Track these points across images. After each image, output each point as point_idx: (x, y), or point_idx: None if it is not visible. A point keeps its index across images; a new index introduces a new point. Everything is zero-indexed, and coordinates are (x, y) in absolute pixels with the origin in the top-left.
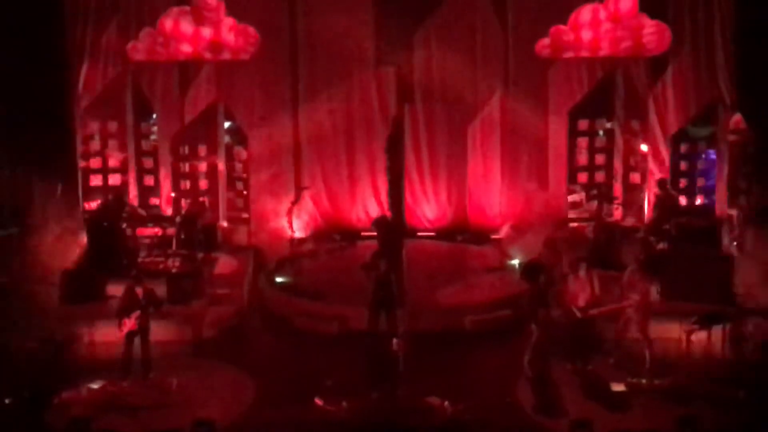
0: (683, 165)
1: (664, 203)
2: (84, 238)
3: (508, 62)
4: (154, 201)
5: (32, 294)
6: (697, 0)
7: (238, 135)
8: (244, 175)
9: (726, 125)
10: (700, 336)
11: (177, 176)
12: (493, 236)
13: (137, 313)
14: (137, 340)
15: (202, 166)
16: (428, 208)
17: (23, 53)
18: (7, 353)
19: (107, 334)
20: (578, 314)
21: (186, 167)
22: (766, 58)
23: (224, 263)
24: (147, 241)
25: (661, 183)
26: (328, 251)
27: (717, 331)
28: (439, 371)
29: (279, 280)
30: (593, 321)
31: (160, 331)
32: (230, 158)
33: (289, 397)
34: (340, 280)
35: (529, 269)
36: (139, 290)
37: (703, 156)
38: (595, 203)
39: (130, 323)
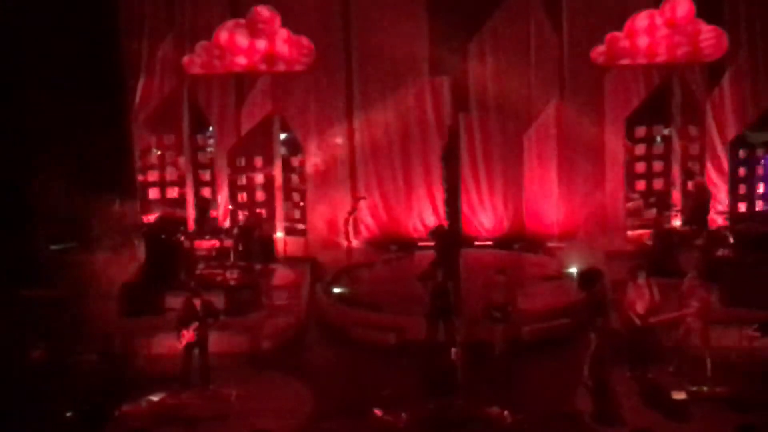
0: (742, 171)
1: (698, 198)
2: (142, 252)
3: (563, 70)
4: (212, 213)
5: (92, 307)
6: (753, 4)
7: (295, 146)
8: (301, 186)
9: None
10: (761, 343)
11: (234, 188)
12: (550, 244)
13: (195, 324)
14: (196, 352)
15: (259, 178)
16: (485, 217)
17: (81, 68)
18: (67, 367)
19: (166, 347)
20: (637, 322)
21: (243, 179)
22: None
23: (281, 274)
24: (205, 253)
25: (691, 175)
26: (385, 261)
27: None
28: (498, 381)
29: (336, 290)
30: (653, 329)
31: (218, 342)
32: (287, 169)
33: (347, 408)
34: (398, 291)
35: (585, 277)
36: (197, 302)
37: (762, 162)
38: (653, 210)
39: (188, 335)
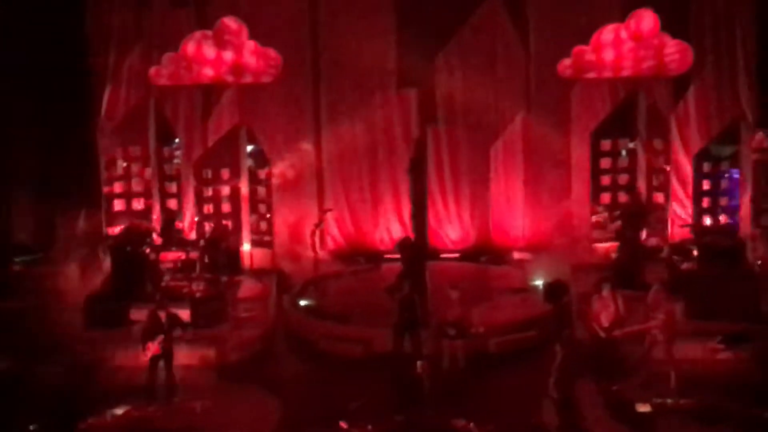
0: (706, 184)
1: (631, 210)
2: (108, 263)
3: (530, 83)
4: (178, 225)
5: (56, 319)
6: (718, 19)
7: (261, 158)
8: (268, 198)
9: (749, 144)
10: (725, 355)
11: (200, 200)
12: (516, 257)
13: (161, 337)
14: (161, 365)
15: (225, 190)
16: (451, 229)
17: (46, 79)
18: (31, 379)
19: (131, 359)
20: (602, 334)
21: (209, 191)
22: None
23: (248, 286)
24: (171, 265)
25: (629, 188)
26: (352, 273)
27: (742, 350)
28: (464, 393)
29: (303, 302)
30: (618, 341)
31: (184, 355)
32: (253, 181)
33: (314, 421)
34: (364, 303)
35: (551, 290)
36: (162, 314)
37: (727, 175)
38: (618, 223)
39: (154, 347)
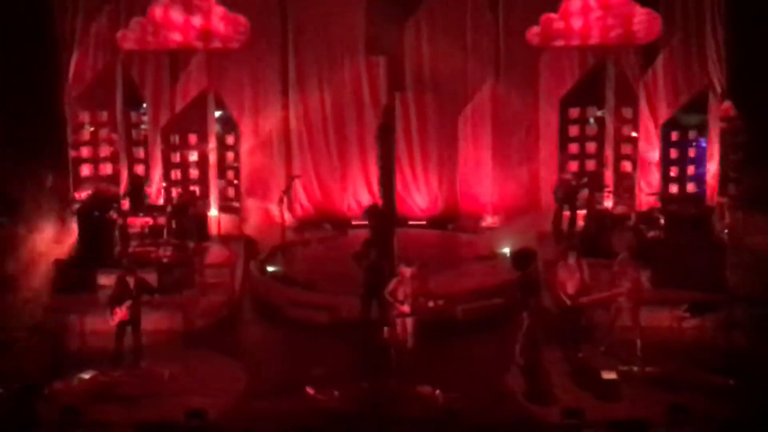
0: (674, 152)
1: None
2: (75, 228)
3: (499, 50)
4: (146, 190)
5: (23, 284)
6: None
7: (229, 124)
8: (235, 164)
9: (716, 113)
10: (690, 324)
11: (168, 165)
12: (484, 224)
13: (129, 302)
14: (129, 330)
15: (193, 156)
16: (419, 196)
17: (12, 43)
18: None
19: (98, 324)
20: (568, 302)
21: (177, 156)
22: (756, 45)
23: (215, 252)
24: (138, 230)
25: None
26: (319, 240)
27: (708, 318)
28: (430, 360)
29: (270, 269)
30: (583, 309)
31: (151, 320)
32: (221, 147)
33: (281, 387)
34: (331, 270)
35: (518, 257)
36: (130, 279)
37: (694, 144)
38: (585, 192)
39: (121, 313)
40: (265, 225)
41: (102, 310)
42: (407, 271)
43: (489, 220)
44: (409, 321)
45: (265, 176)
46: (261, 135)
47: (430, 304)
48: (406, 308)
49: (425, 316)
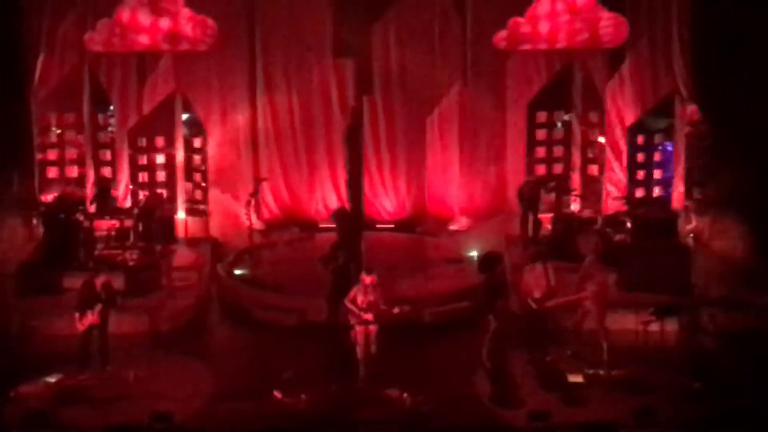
0: (640, 156)
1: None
2: (41, 231)
3: (467, 54)
4: (113, 193)
5: None
6: None
7: (197, 126)
8: (203, 167)
9: (682, 117)
10: (656, 327)
11: (135, 168)
12: (451, 228)
13: (99, 306)
14: (95, 333)
15: (160, 158)
16: (387, 200)
17: None
18: None
19: (64, 327)
20: (534, 305)
21: (144, 159)
22: (722, 51)
23: (182, 255)
24: (104, 233)
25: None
26: (287, 243)
27: (674, 322)
28: (398, 363)
29: (237, 272)
30: (550, 312)
31: (117, 323)
32: (189, 150)
33: (248, 390)
34: (299, 272)
35: (485, 261)
36: (98, 282)
37: (660, 148)
38: (552, 195)
39: (92, 317)
40: (232, 228)
41: (68, 313)
42: (367, 278)
43: (456, 224)
44: (372, 328)
45: (233, 179)
46: (228, 137)
47: (395, 310)
48: (368, 315)
49: (390, 322)
